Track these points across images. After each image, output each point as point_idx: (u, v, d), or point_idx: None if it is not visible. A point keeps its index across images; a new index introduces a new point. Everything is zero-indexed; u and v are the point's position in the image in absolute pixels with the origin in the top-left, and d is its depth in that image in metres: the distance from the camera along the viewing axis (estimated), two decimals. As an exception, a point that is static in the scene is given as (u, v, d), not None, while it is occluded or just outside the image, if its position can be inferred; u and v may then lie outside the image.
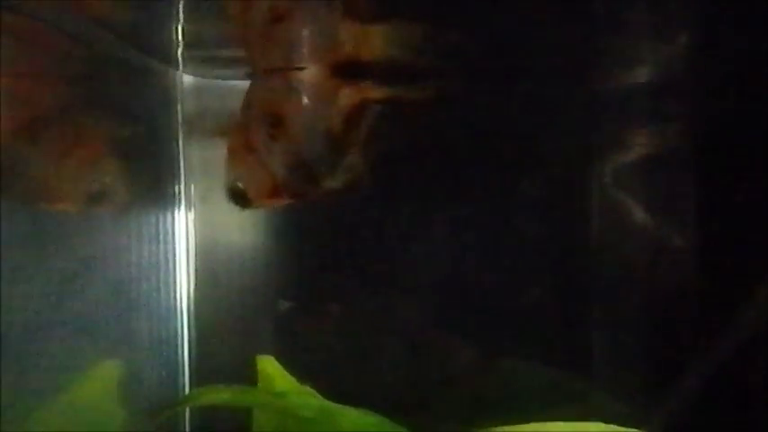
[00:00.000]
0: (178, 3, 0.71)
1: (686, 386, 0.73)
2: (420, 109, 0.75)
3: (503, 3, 0.73)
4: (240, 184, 0.66)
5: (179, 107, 0.75)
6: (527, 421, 0.59)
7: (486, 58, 0.75)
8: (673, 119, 0.77)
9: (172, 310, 0.77)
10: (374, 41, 0.62)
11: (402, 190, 0.78)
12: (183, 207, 0.77)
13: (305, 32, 0.62)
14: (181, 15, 0.72)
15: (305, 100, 0.63)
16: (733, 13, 0.71)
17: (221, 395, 0.61)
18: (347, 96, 0.63)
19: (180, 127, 0.76)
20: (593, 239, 0.78)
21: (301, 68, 0.62)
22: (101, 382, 0.65)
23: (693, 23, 0.75)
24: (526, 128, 0.78)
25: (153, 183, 0.74)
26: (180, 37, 0.72)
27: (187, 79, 0.75)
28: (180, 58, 0.73)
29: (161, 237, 0.75)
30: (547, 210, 0.78)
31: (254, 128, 0.65)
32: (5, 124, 0.56)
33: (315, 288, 0.79)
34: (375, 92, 0.64)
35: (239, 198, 0.67)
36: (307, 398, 0.65)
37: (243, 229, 0.79)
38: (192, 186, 0.77)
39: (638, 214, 0.78)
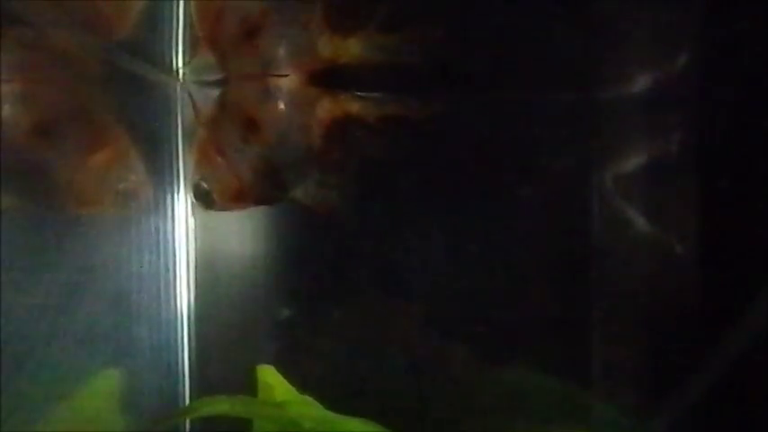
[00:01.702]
0: (178, 11, 0.72)
1: (686, 394, 0.73)
2: (419, 118, 0.75)
3: (502, 11, 0.73)
4: (205, 185, 0.66)
5: (179, 116, 0.75)
6: (527, 430, 0.59)
7: (484, 66, 0.75)
8: (674, 127, 0.77)
9: (172, 319, 0.77)
10: (354, 51, 0.62)
11: (403, 199, 0.78)
12: (183, 216, 0.77)
13: (278, 45, 0.62)
14: (181, 23, 0.72)
15: (281, 106, 0.63)
16: (734, 21, 0.71)
17: (221, 406, 0.61)
18: (327, 109, 0.63)
19: (180, 136, 0.76)
20: (593, 248, 0.78)
21: (284, 75, 0.62)
22: (101, 391, 0.65)
23: (695, 31, 0.75)
24: (526, 136, 0.78)
25: (153, 191, 0.74)
26: (180, 45, 0.73)
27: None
28: (180, 67, 0.73)
29: (161, 245, 0.75)
30: (547, 218, 0.78)
31: (226, 129, 0.64)
32: (21, 125, 0.56)
33: (315, 297, 0.79)
34: (359, 106, 0.63)
35: (203, 199, 0.67)
36: (307, 408, 0.65)
37: (243, 238, 0.79)
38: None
39: (639, 223, 0.78)
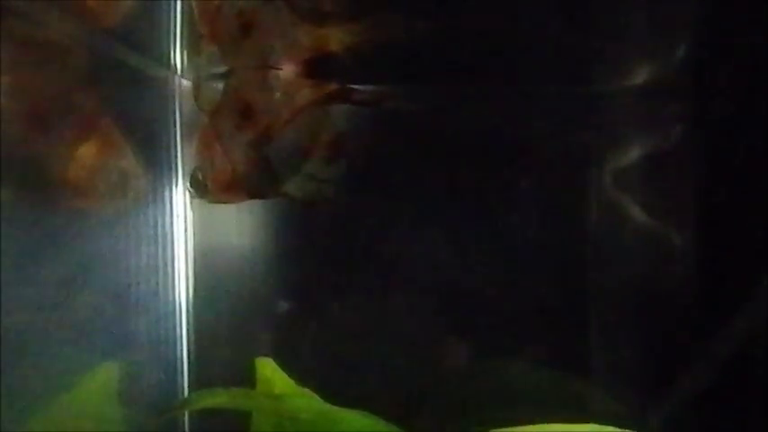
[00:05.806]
0: (176, 6, 0.72)
1: (685, 387, 0.73)
2: (418, 111, 0.75)
3: (502, 3, 0.73)
4: (200, 174, 0.66)
5: (177, 110, 0.75)
6: (525, 422, 0.59)
7: (484, 58, 0.75)
8: (672, 120, 0.77)
9: (171, 312, 0.77)
10: (334, 39, 0.62)
11: (401, 192, 0.78)
12: (181, 209, 0.77)
13: (271, 38, 0.62)
14: (178, 18, 0.72)
15: (276, 95, 0.63)
16: (733, 14, 0.71)
17: (220, 399, 0.62)
18: (307, 95, 0.63)
19: (178, 130, 0.76)
20: (591, 240, 0.78)
21: (278, 69, 0.62)
22: (100, 384, 0.65)
23: (693, 24, 0.75)
24: (525, 129, 0.78)
25: (151, 185, 0.74)
26: (178, 40, 0.73)
27: (185, 82, 0.75)
28: (178, 62, 0.73)
29: (160, 239, 0.75)
30: (545, 211, 0.78)
31: (225, 116, 0.64)
32: (12, 116, 0.56)
33: (313, 290, 0.79)
34: (354, 98, 0.63)
35: (198, 187, 0.67)
36: (305, 400, 0.66)
37: (242, 231, 0.79)
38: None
39: (637, 215, 0.78)
